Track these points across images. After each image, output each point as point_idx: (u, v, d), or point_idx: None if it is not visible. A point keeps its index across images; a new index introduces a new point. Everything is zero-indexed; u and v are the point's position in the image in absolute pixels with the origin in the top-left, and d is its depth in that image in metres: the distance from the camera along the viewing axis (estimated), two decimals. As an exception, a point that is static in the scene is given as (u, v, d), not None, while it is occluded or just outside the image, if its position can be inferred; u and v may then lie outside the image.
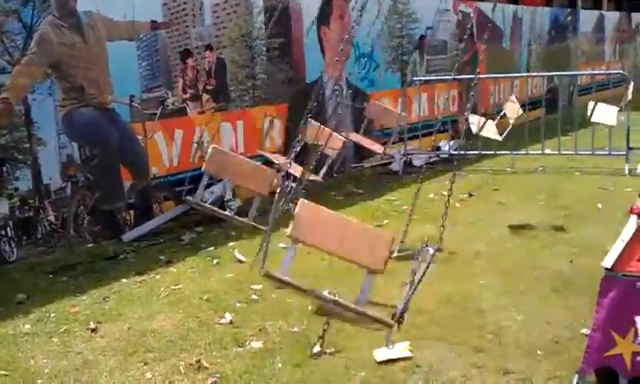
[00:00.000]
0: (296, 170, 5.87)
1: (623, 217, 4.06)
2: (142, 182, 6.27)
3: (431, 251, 3.17)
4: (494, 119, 7.17)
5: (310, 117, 4.67)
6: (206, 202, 6.40)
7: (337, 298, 3.42)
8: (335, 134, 5.76)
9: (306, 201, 3.39)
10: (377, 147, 7.66)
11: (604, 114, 7.72)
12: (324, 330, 3.56)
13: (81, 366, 3.60)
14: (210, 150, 5.25)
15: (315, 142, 5.31)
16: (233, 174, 5.25)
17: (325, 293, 3.58)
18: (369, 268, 3.26)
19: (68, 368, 3.59)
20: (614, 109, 7.81)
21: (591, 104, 7.86)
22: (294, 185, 4.68)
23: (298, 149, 4.34)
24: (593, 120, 7.82)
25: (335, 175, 6.85)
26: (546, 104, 9.94)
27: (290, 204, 4.17)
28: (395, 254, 4.37)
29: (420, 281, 3.16)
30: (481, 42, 11.26)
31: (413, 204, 5.18)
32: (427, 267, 3.15)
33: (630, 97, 7.99)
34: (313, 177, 6.00)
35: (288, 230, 3.29)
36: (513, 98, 7.52)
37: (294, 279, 3.38)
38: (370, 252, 3.23)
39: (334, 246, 3.30)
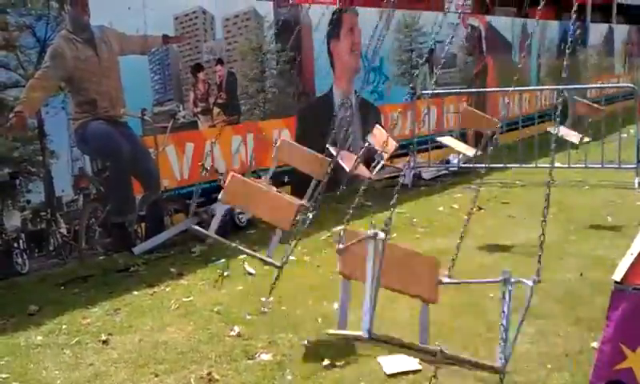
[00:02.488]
0: (347, 161, 5.84)
1: (633, 230, 4.05)
2: (153, 194, 6.32)
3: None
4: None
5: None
6: (213, 216, 6.45)
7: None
8: (391, 139, 5.74)
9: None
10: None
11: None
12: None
13: (92, 378, 3.63)
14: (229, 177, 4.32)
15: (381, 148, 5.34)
16: (253, 206, 4.34)
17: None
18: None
19: (80, 379, 3.62)
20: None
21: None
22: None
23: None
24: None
25: (344, 187, 6.84)
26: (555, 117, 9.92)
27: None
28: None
29: None
30: (490, 55, 11.31)
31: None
32: None
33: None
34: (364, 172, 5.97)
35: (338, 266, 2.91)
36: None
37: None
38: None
39: None
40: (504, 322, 2.62)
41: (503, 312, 2.66)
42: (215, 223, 4.14)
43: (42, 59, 5.43)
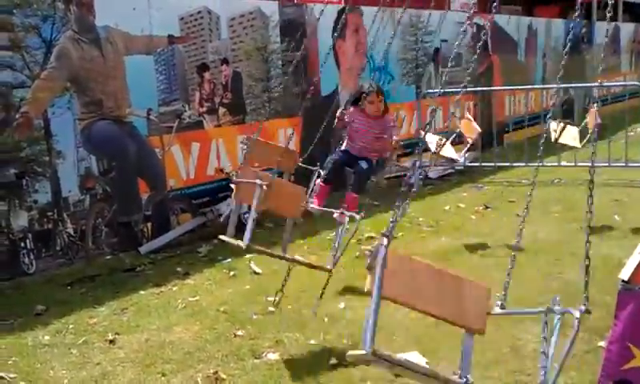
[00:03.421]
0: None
1: (640, 229, 4.00)
2: (159, 194, 6.33)
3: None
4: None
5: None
6: (222, 215, 6.47)
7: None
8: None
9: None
10: None
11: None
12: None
13: (99, 377, 3.63)
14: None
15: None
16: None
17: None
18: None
19: (87, 379, 3.62)
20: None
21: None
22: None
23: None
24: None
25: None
26: (562, 116, 9.90)
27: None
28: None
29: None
30: (495, 53, 11.27)
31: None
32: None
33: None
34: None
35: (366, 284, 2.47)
36: (594, 107, 7.22)
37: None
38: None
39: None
40: (546, 352, 2.57)
41: (545, 341, 2.61)
42: (232, 227, 4.02)
43: (48, 60, 5.44)
